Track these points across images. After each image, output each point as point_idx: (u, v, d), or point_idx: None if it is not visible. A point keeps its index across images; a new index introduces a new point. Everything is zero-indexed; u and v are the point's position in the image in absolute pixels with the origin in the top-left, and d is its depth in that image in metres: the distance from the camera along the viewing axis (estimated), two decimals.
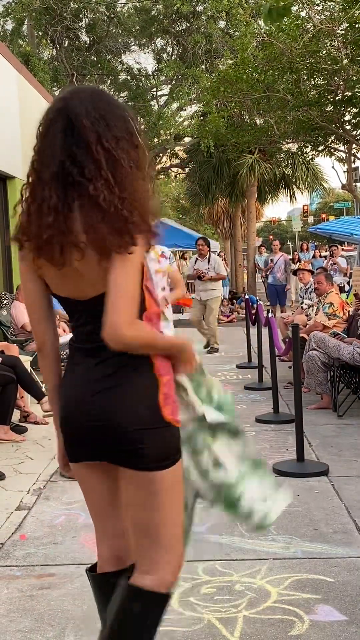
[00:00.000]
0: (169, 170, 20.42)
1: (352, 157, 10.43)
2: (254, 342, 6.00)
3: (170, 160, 19.43)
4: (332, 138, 10.27)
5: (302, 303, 5.79)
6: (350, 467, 3.18)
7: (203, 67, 14.56)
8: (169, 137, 15.89)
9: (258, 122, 11.58)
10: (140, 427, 1.18)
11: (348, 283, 10.13)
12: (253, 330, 5.95)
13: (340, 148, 10.62)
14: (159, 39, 15.62)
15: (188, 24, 14.67)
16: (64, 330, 5.35)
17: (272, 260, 9.82)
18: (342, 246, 13.50)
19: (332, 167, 16.31)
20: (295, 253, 16.30)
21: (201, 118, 14.41)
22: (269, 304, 10.31)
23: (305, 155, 11.77)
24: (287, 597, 1.96)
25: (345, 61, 8.38)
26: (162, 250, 3.54)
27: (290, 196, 17.06)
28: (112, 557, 1.33)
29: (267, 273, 9.98)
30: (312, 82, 9.33)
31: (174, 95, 15.09)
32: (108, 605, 1.27)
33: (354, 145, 10.09)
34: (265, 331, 4.77)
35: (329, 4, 8.68)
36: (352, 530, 2.44)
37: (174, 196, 27.75)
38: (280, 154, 14.83)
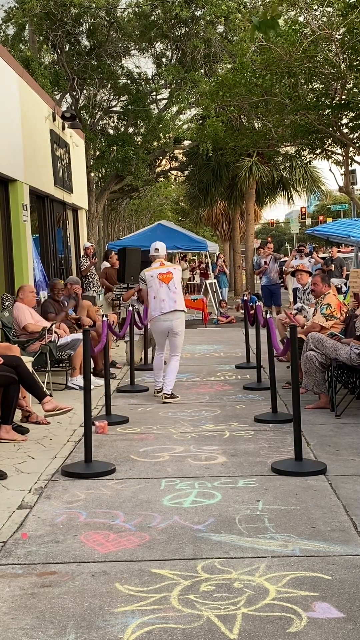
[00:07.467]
0: (169, 173, 20.51)
1: (349, 160, 10.47)
2: (252, 342, 6.04)
3: (169, 163, 19.52)
4: (330, 141, 10.31)
5: (295, 305, 5.81)
6: (348, 466, 3.20)
7: (202, 71, 14.65)
8: (168, 140, 15.97)
9: (256, 125, 11.63)
10: None
11: (345, 284, 10.15)
12: (252, 331, 5.98)
13: (337, 151, 10.67)
14: (159, 43, 15.71)
15: (187, 29, 14.76)
16: (65, 332, 5.37)
17: (266, 262, 9.78)
18: (339, 248, 13.53)
19: (330, 169, 16.52)
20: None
21: (200, 122, 14.48)
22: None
23: (302, 158, 11.82)
24: (286, 595, 1.99)
25: (343, 66, 8.43)
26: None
27: (288, 199, 17.14)
28: None
29: (261, 275, 9.94)
30: (310, 87, 9.38)
31: (174, 99, 15.17)
32: None
33: (350, 149, 10.14)
34: (263, 332, 4.81)
35: (327, 9, 8.74)
36: (349, 529, 2.46)
37: (173, 199, 27.86)
38: (278, 157, 14.90)
